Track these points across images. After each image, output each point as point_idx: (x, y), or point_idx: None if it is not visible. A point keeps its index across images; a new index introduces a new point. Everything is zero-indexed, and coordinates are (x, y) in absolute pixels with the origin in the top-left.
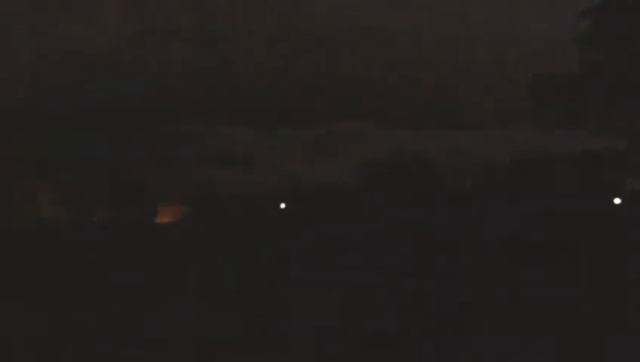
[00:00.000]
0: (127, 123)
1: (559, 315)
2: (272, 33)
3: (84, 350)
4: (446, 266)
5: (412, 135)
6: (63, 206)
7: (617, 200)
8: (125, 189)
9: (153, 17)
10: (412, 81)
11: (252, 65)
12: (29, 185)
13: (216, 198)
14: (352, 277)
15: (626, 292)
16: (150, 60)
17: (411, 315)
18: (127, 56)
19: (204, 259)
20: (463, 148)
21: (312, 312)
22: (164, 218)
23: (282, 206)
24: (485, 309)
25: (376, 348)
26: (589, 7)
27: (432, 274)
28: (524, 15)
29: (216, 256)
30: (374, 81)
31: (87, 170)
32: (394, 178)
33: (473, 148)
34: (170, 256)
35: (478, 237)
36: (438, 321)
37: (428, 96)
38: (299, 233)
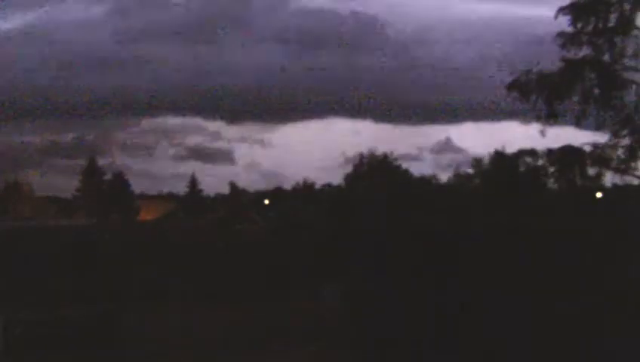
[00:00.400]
0: (110, 118)
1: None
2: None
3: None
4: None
5: (400, 129)
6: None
7: (599, 195)
8: (107, 186)
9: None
10: (398, 77)
11: (240, 62)
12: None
13: (200, 194)
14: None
15: (612, 280)
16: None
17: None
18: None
19: (188, 258)
20: (449, 141)
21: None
22: (147, 215)
23: (266, 202)
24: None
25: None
26: (567, 4)
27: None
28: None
29: (199, 254)
30: (361, 76)
31: (70, 167)
32: (375, 172)
33: (459, 141)
34: (154, 255)
35: (464, 230)
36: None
37: (414, 92)
38: (287, 230)
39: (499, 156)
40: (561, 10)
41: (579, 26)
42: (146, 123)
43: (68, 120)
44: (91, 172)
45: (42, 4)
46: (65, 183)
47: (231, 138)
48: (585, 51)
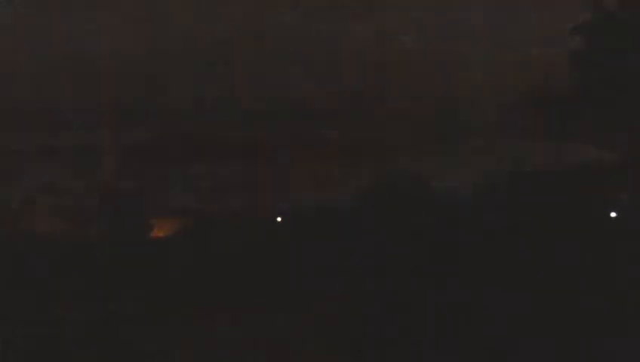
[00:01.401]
0: (118, 126)
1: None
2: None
3: None
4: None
5: (407, 149)
6: (54, 217)
7: (613, 214)
8: (118, 200)
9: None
10: (406, 94)
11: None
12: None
13: (214, 209)
14: (355, 296)
15: (621, 306)
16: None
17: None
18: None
19: (202, 276)
20: (457, 159)
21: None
22: (160, 232)
23: (279, 219)
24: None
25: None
26: (579, 24)
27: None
28: (520, 25)
29: (215, 272)
30: (372, 96)
31: (78, 177)
32: (391, 195)
33: (468, 159)
34: (167, 273)
35: (473, 252)
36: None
37: (422, 109)
38: (298, 248)
39: (509, 173)
40: (572, 29)
41: (590, 45)
42: None
43: None
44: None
45: None
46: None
47: None
48: (596, 70)
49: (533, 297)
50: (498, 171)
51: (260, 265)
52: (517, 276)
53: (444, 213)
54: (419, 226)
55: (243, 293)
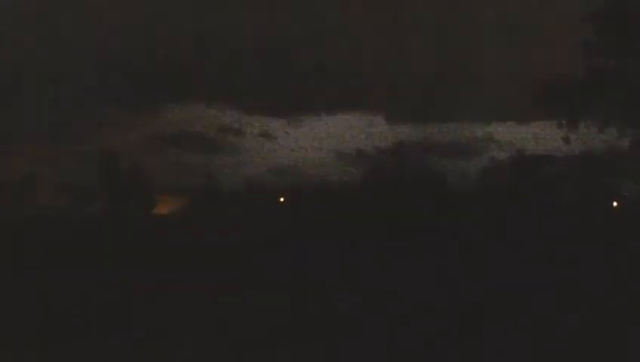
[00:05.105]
0: (123, 106)
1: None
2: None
3: (79, 342)
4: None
5: (424, 127)
6: (61, 194)
7: (614, 203)
8: (123, 178)
9: None
10: (430, 75)
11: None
12: (28, 171)
13: (214, 188)
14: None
15: (622, 291)
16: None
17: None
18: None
19: (203, 251)
20: (464, 146)
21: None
22: (163, 209)
23: (281, 199)
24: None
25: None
26: (590, 13)
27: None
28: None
29: (216, 249)
30: (386, 73)
31: (85, 158)
32: (398, 170)
33: (476, 144)
34: (169, 249)
35: (474, 234)
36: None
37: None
38: (297, 227)
39: (514, 159)
40: (584, 19)
41: (601, 34)
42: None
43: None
44: (107, 160)
45: None
46: (77, 170)
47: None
48: (606, 59)
49: None
50: None
51: None
52: None
53: None
54: None
55: None
